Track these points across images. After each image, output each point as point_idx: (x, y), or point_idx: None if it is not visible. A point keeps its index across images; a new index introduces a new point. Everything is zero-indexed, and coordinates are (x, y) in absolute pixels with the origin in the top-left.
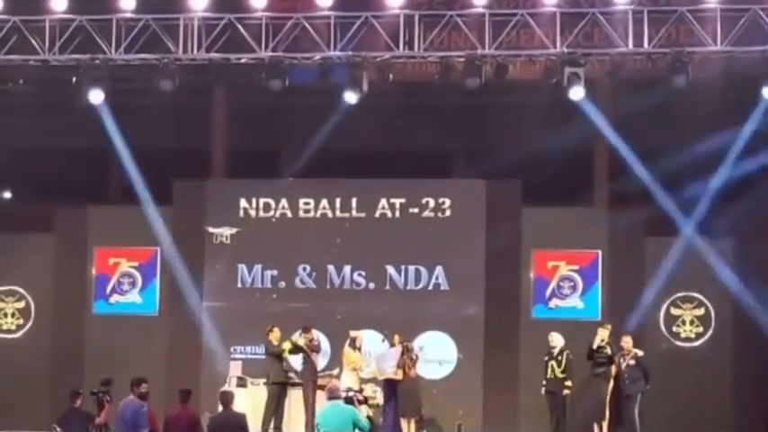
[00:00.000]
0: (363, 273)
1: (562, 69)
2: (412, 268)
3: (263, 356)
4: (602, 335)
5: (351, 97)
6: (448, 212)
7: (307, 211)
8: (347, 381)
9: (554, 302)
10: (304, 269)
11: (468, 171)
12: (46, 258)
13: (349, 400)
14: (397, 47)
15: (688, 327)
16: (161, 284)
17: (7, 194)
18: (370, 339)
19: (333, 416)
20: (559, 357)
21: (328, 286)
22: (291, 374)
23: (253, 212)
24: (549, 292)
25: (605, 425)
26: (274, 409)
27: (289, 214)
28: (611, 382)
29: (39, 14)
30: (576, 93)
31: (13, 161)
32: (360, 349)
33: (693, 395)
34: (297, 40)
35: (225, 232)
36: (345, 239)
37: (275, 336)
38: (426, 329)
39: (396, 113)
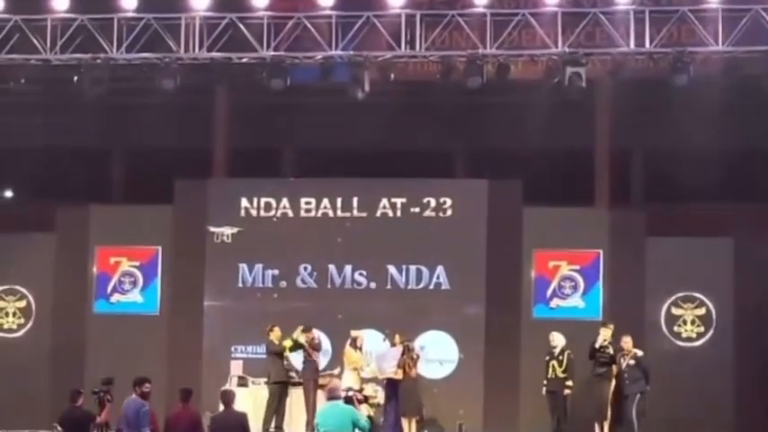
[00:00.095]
0: (364, 272)
1: (564, 69)
2: (413, 268)
3: (264, 356)
4: (605, 334)
5: (357, 98)
6: (449, 212)
7: (308, 210)
8: (348, 380)
9: (555, 302)
10: (305, 269)
11: (469, 171)
12: (47, 257)
13: (348, 400)
14: (399, 46)
15: (689, 327)
16: (162, 284)
17: (8, 193)
18: (371, 339)
19: (332, 416)
20: (560, 357)
21: (329, 286)
22: (292, 374)
23: (254, 212)
24: (550, 291)
25: (606, 425)
26: (275, 409)
27: (290, 214)
28: (613, 382)
29: (40, 14)
30: (578, 92)
31: (14, 160)
32: (361, 349)
33: (694, 395)
34: (298, 40)
35: (226, 231)
36: (346, 239)
37: (276, 335)
38: (427, 329)
39: (397, 113)
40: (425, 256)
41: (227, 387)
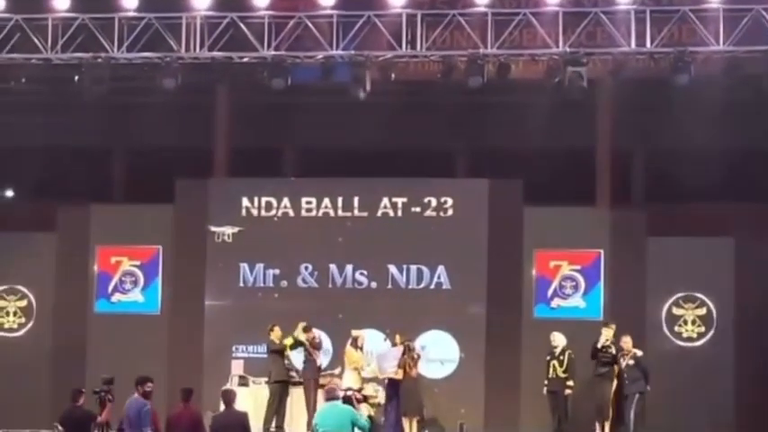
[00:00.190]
0: (365, 272)
1: (564, 69)
2: (414, 267)
3: (265, 355)
4: (607, 334)
5: (358, 98)
6: (450, 212)
7: (309, 210)
8: (349, 380)
9: (556, 302)
10: (306, 268)
11: (470, 170)
12: (48, 257)
13: (347, 400)
14: (400, 46)
15: (690, 326)
16: (163, 283)
17: (9, 193)
18: (372, 338)
19: (330, 416)
20: (561, 357)
21: (330, 285)
22: (293, 373)
23: (255, 211)
24: (550, 291)
25: (608, 425)
26: (276, 408)
27: (291, 213)
28: (615, 382)
29: (41, 13)
30: (579, 92)
31: (15, 160)
32: (362, 348)
33: (695, 395)
34: (299, 39)
35: (227, 231)
36: (347, 238)
37: (276, 335)
38: (428, 329)
39: (398, 113)
40: (426, 256)
41: (227, 386)
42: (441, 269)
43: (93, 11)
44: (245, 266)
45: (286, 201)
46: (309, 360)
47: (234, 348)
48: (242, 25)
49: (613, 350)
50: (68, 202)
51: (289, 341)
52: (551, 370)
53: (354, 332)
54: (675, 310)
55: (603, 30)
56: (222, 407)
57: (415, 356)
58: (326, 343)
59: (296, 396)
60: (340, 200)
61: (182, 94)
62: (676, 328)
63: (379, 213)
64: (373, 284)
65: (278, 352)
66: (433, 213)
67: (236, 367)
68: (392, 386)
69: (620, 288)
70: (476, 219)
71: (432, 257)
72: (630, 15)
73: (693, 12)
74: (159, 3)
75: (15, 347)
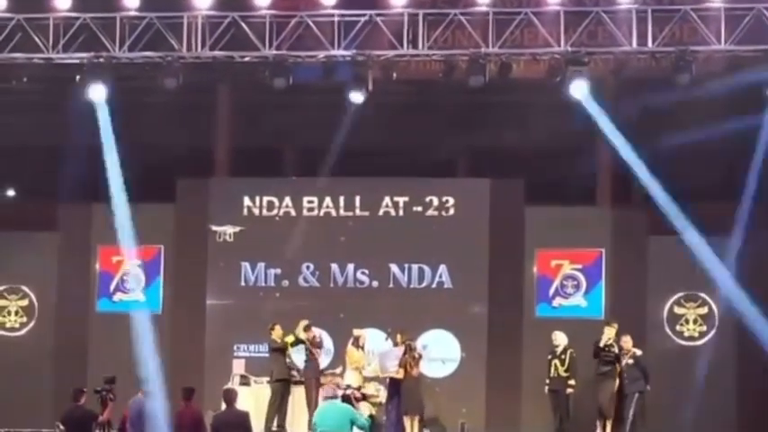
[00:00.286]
0: (367, 271)
1: (566, 68)
2: (415, 267)
3: (267, 354)
4: (609, 333)
5: (357, 97)
6: (451, 211)
7: (310, 209)
8: (350, 379)
9: (557, 301)
10: (307, 267)
11: (471, 170)
12: (49, 256)
13: (346, 398)
14: (401, 45)
15: (691, 325)
16: (164, 283)
17: (11, 192)
18: (374, 338)
19: (329, 416)
20: (563, 356)
21: (332, 285)
22: (294, 372)
23: (256, 211)
24: (552, 290)
25: (609, 424)
26: (278, 407)
27: (292, 212)
28: (617, 381)
29: (43, 12)
30: (580, 91)
31: (16, 159)
32: (363, 348)
33: (696, 394)
34: (301, 39)
35: (228, 230)
36: (349, 238)
37: (277, 333)
38: (430, 328)
39: (399, 112)
40: (428, 255)
41: (229, 386)
42: (442, 268)
43: (94, 10)
44: (246, 266)
45: (287, 200)
46: (311, 359)
47: (235, 348)
48: (243, 25)
49: (616, 349)
50: (70, 201)
51: (290, 339)
52: (553, 369)
53: (356, 331)
54: (677, 309)
55: (605, 29)
56: (223, 406)
57: (416, 356)
58: (328, 342)
59: (297, 395)
60: (341, 199)
61: (183, 94)
62: (678, 327)
63: (381, 213)
64: (375, 284)
65: (279, 350)
66: (435, 213)
67: (238, 366)
68: (393, 385)
69: (622, 287)
70: (477, 218)
71: (433, 257)
72: (632, 15)
73: (695, 11)
74: (160, 2)
75: (17, 347)
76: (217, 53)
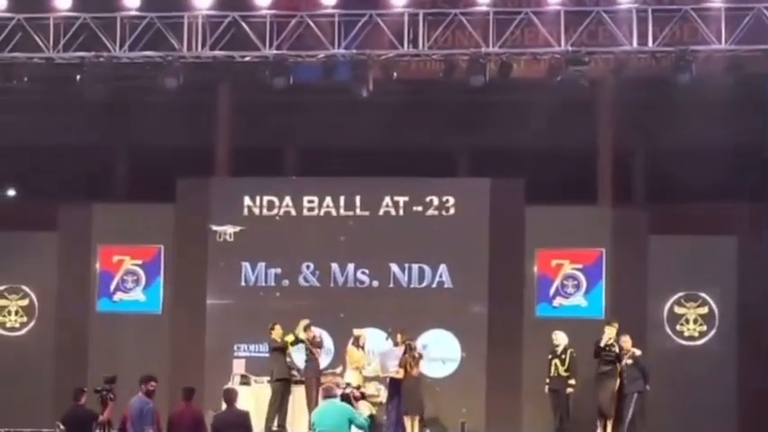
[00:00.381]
0: (367, 271)
1: (566, 68)
2: (416, 266)
3: (267, 354)
4: (610, 333)
5: (360, 97)
6: (452, 211)
7: (310, 209)
8: (350, 379)
9: (558, 301)
10: (308, 267)
11: (472, 169)
12: (50, 256)
13: (345, 397)
14: (402, 45)
15: (692, 325)
16: (164, 282)
17: (11, 192)
18: (374, 337)
19: (328, 415)
20: (563, 356)
21: (332, 284)
22: (294, 372)
23: (256, 210)
24: (552, 290)
25: (609, 423)
26: (278, 407)
27: (292, 212)
28: (617, 381)
29: (43, 12)
30: (580, 91)
31: (17, 159)
32: (363, 348)
33: (696, 394)
34: (301, 38)
35: (228, 230)
36: (349, 237)
37: (277, 333)
38: (430, 328)
39: (400, 111)
40: (428, 255)
41: (229, 385)
42: (442, 268)
43: (94, 10)
44: (246, 265)
45: (288, 200)
46: (311, 359)
47: (235, 347)
48: (244, 24)
49: (616, 349)
50: (70, 201)
51: (290, 338)
52: (553, 369)
53: (356, 331)
54: (677, 309)
55: (605, 29)
56: (224, 406)
57: (417, 355)
58: (328, 342)
59: (298, 395)
60: (342, 199)
61: (183, 94)
62: (678, 327)
63: (381, 212)
64: (375, 283)
65: (280, 350)
66: (435, 212)
67: (238, 366)
68: (393, 385)
69: (622, 287)
70: (477, 218)
71: (433, 256)
72: (632, 14)
73: (695, 11)
74: (161, 2)
75: (17, 347)
76: (217, 53)
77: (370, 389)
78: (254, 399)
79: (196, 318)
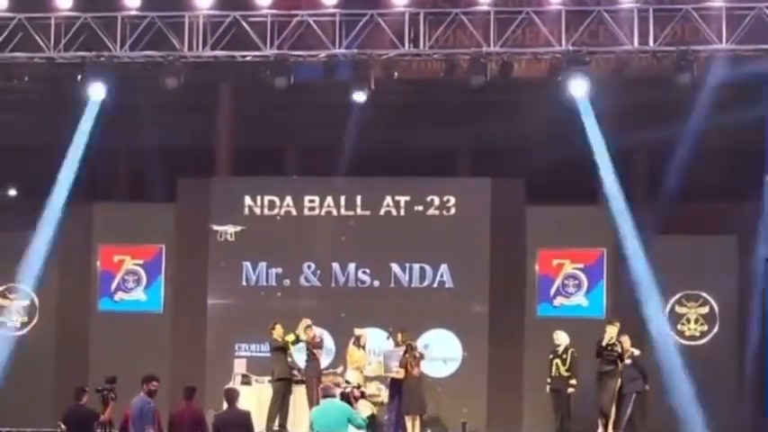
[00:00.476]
0: (368, 270)
1: (567, 67)
2: (417, 266)
3: (268, 354)
4: (611, 332)
5: (359, 96)
6: (453, 210)
7: (311, 208)
8: (351, 379)
9: (559, 300)
10: (309, 267)
11: (472, 169)
12: (51, 255)
13: (345, 397)
14: (403, 45)
15: (693, 325)
16: (165, 282)
17: (12, 192)
18: (375, 337)
19: (327, 414)
20: (564, 355)
21: (333, 284)
22: (295, 372)
23: (257, 210)
24: (553, 290)
25: (611, 423)
26: (279, 407)
27: (293, 212)
28: (619, 380)
29: (44, 12)
30: (581, 91)
31: (18, 158)
32: (364, 347)
33: (697, 394)
34: (302, 38)
35: (229, 230)
36: (350, 237)
37: (278, 332)
38: (431, 327)
39: (401, 111)
40: (429, 255)
41: (230, 385)
42: (443, 268)
43: (95, 10)
44: (247, 265)
45: (289, 199)
46: (312, 359)
47: (236, 347)
48: (244, 24)
49: (619, 348)
50: (71, 200)
51: (290, 338)
52: (554, 368)
53: (357, 331)
54: (678, 309)
55: (606, 28)
56: (225, 405)
57: (417, 355)
58: (329, 342)
59: (298, 394)
60: (343, 198)
61: (184, 93)
62: (679, 327)
63: (382, 212)
64: (376, 283)
65: (280, 350)
66: (436, 212)
67: (239, 366)
68: (394, 385)
69: (623, 287)
70: (478, 217)
71: (434, 256)
72: (633, 14)
73: (696, 10)
74: (162, 2)
75: (18, 346)
76: (218, 52)
77: (371, 388)
78: (255, 398)
79: (197, 317)
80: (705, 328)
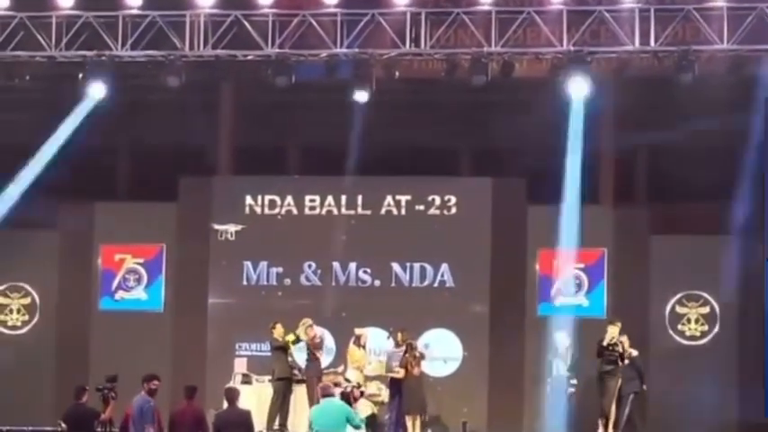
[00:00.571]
0: (369, 270)
1: (568, 67)
2: (417, 265)
3: (269, 353)
4: (613, 332)
5: (361, 96)
6: (453, 210)
7: (312, 208)
8: (351, 378)
9: (559, 300)
10: (309, 266)
11: (473, 168)
12: (51, 255)
13: (345, 396)
14: (404, 44)
15: (693, 325)
16: (166, 281)
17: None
18: (376, 337)
19: (325, 414)
20: (565, 355)
21: (333, 283)
22: (296, 371)
23: (258, 209)
24: (554, 289)
25: (611, 423)
26: (280, 406)
27: (294, 211)
28: (620, 380)
29: (45, 11)
30: (582, 91)
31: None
32: (364, 347)
33: (697, 393)
34: (303, 37)
35: (230, 229)
36: (351, 236)
37: (279, 332)
38: (431, 327)
39: (402, 111)
40: (430, 254)
41: (231, 384)
42: (444, 267)
43: (97, 9)
44: (248, 264)
45: (290, 199)
46: (312, 358)
47: (237, 346)
48: (246, 23)
49: (620, 348)
50: (72, 200)
51: (290, 337)
52: (555, 368)
53: (357, 330)
54: (679, 309)
55: (607, 28)
56: (225, 404)
57: (418, 355)
58: (329, 341)
59: (299, 394)
60: (343, 198)
61: (185, 92)
62: (679, 327)
63: (383, 211)
64: (376, 282)
65: (281, 349)
66: (437, 212)
67: (240, 365)
68: (394, 385)
69: (624, 286)
70: (479, 217)
71: (435, 256)
72: (635, 14)
73: (697, 10)
74: (163, 1)
75: (19, 345)
76: (219, 52)
77: (372, 388)
78: (255, 398)
79: (198, 316)
80: (705, 328)
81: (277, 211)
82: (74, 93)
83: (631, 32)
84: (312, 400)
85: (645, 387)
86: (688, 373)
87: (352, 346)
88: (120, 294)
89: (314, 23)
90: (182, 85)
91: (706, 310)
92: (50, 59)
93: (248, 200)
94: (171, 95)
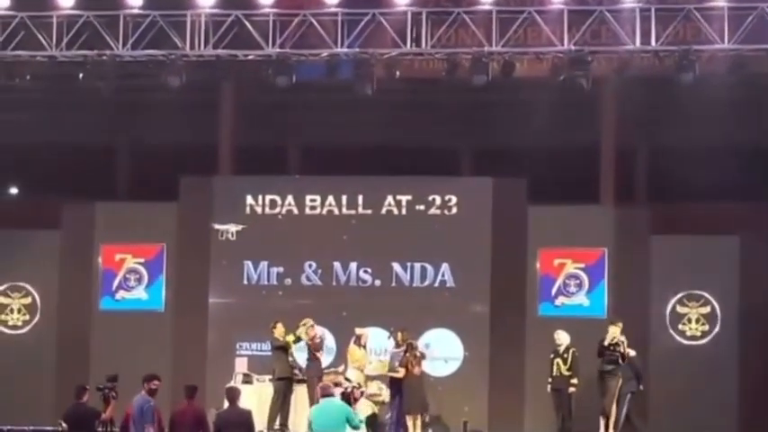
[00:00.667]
0: (369, 270)
1: (569, 67)
2: (418, 265)
3: (269, 353)
4: (614, 332)
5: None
6: (454, 210)
7: (313, 207)
8: (351, 378)
9: (560, 300)
10: (310, 266)
11: (474, 168)
12: (52, 254)
13: (345, 396)
14: (405, 44)
15: (694, 325)
16: (167, 281)
17: (14, 190)
18: (376, 336)
19: (325, 414)
20: (565, 355)
21: (334, 283)
22: (296, 371)
23: (259, 209)
24: (555, 289)
25: (611, 422)
26: (280, 406)
27: (295, 211)
28: (621, 380)
29: (46, 10)
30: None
31: (19, 157)
32: (365, 347)
33: (698, 393)
34: (304, 37)
35: (231, 229)
36: (352, 236)
37: (279, 331)
38: (432, 327)
39: (402, 110)
40: (430, 254)
41: (231, 384)
42: (445, 267)
43: (97, 8)
44: (249, 264)
45: (290, 198)
46: (313, 358)
47: (238, 346)
48: (247, 23)
49: (621, 348)
50: (73, 199)
51: (291, 337)
52: (555, 368)
53: (358, 330)
54: (679, 309)
55: (608, 28)
56: (226, 404)
57: (418, 354)
58: (330, 341)
59: (300, 394)
60: (344, 198)
61: (186, 92)
62: (680, 327)
63: (384, 211)
64: (377, 282)
65: (282, 349)
66: (438, 211)
67: (240, 365)
68: (394, 384)
69: (624, 286)
70: (480, 217)
71: (436, 255)
72: (635, 13)
73: (698, 10)
74: (164, 0)
75: (19, 345)
76: (220, 51)
77: (373, 388)
78: (256, 397)
79: (198, 316)
80: (706, 327)
81: (278, 210)
82: (75, 92)
83: (632, 32)
84: (313, 400)
85: (642, 387)
86: (688, 373)
87: (352, 346)
88: (120, 294)
89: (314, 23)
90: (182, 85)
91: (707, 309)
92: (51, 59)
93: (249, 200)
94: (172, 95)
